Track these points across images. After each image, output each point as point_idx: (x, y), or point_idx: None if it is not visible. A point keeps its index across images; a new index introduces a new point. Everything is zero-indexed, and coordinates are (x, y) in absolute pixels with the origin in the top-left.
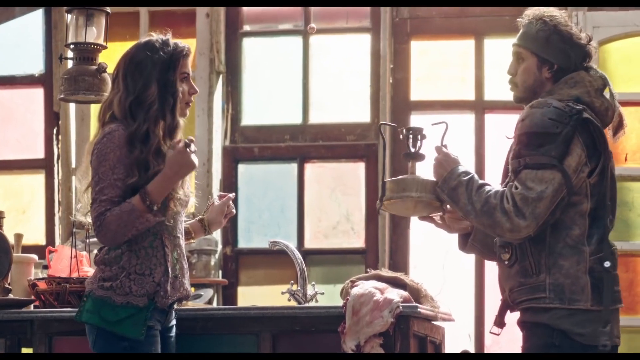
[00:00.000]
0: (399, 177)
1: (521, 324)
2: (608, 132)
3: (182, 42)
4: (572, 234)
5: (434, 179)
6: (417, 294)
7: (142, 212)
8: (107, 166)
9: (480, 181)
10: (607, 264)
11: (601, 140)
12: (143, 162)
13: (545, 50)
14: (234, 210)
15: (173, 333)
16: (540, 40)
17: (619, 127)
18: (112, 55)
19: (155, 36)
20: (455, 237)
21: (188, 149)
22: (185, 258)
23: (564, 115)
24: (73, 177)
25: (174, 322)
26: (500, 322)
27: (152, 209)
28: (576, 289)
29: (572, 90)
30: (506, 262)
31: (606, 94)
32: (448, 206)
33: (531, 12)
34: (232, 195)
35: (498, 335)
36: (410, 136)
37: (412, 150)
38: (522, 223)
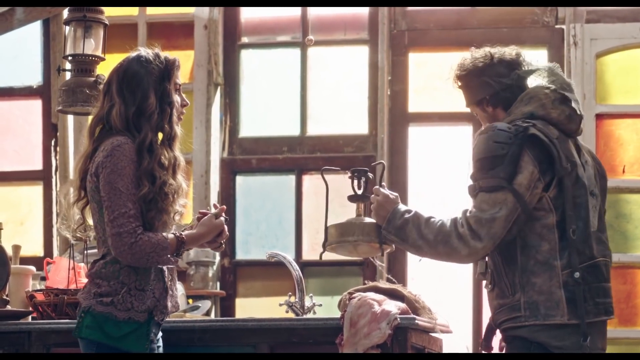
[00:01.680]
0: (342, 221)
1: (503, 338)
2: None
3: (171, 55)
4: (541, 250)
5: (374, 221)
6: (414, 306)
7: (171, 253)
8: (126, 180)
9: (426, 215)
10: (576, 274)
11: (552, 152)
12: (150, 173)
13: (471, 95)
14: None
15: (160, 343)
16: (465, 91)
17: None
18: (109, 67)
19: (144, 49)
20: None
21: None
22: (175, 271)
23: (508, 135)
24: (71, 189)
25: (160, 332)
26: (486, 346)
27: (179, 255)
28: (551, 304)
29: (526, 107)
30: (488, 287)
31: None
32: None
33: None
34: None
35: None
36: (355, 178)
37: (358, 191)
38: (479, 245)
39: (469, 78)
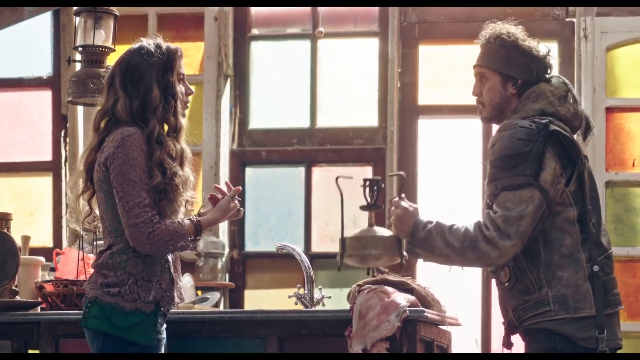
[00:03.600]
0: (359, 233)
1: (523, 331)
2: (578, 137)
3: (173, 45)
4: (565, 244)
5: (393, 234)
6: (424, 299)
7: (189, 240)
8: (139, 170)
9: (448, 223)
10: (595, 267)
11: (572, 148)
12: (161, 164)
13: (507, 66)
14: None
15: (164, 334)
16: (501, 57)
17: (587, 130)
18: None
19: (146, 40)
20: None
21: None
22: (179, 262)
23: (531, 133)
24: (80, 180)
25: (165, 324)
26: (508, 343)
27: (197, 240)
28: (579, 297)
29: (535, 104)
30: (506, 284)
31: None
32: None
33: (488, 31)
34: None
35: None
36: (367, 187)
37: (370, 201)
38: (509, 244)
39: (516, 52)
